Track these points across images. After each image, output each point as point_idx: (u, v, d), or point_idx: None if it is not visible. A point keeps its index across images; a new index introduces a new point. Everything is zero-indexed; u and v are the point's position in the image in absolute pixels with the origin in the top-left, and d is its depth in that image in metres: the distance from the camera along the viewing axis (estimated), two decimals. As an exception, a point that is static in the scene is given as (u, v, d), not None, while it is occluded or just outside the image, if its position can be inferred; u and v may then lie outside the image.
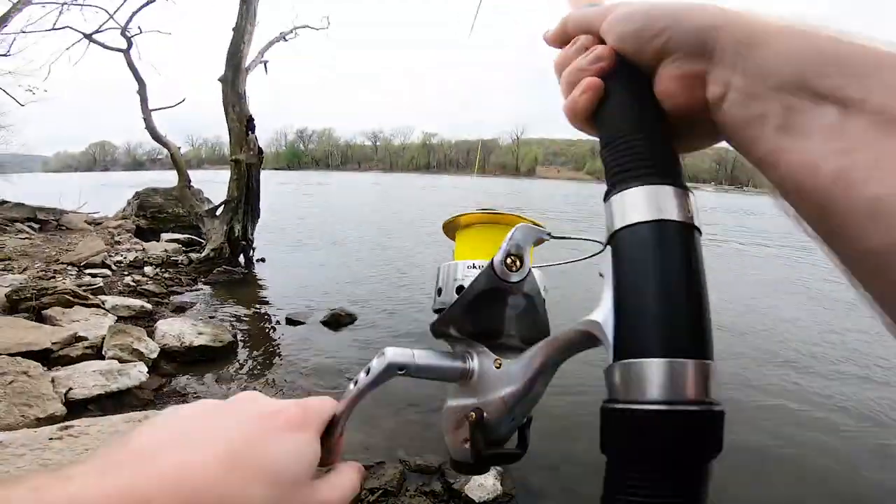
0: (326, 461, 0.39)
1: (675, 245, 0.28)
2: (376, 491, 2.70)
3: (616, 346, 0.27)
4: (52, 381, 3.32)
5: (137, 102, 9.27)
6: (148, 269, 7.21)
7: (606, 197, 0.31)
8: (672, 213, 0.28)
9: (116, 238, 9.60)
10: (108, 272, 6.82)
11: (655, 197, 0.29)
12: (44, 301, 4.62)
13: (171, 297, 6.20)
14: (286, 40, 10.45)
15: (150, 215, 11.82)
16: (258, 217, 8.92)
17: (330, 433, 0.40)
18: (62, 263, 6.89)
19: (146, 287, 6.24)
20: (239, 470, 0.32)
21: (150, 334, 4.44)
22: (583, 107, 0.36)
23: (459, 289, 0.43)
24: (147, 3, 9.77)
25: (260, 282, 7.85)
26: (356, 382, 0.40)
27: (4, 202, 11.30)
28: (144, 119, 9.36)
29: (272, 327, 5.57)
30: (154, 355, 4.09)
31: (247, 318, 5.74)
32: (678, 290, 0.26)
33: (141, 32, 9.86)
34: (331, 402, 0.41)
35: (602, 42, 0.38)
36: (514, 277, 0.38)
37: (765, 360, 5.07)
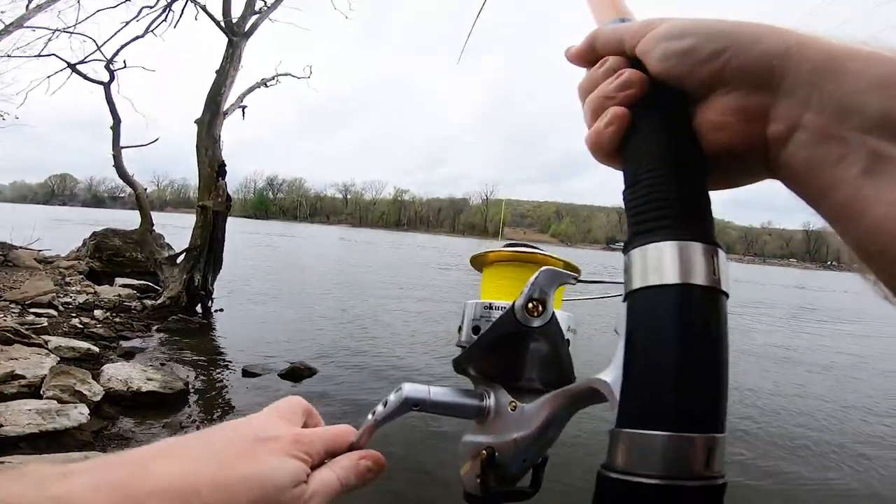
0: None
1: (698, 314, 0.25)
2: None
3: (621, 412, 0.26)
4: (-19, 419, 3.10)
5: (107, 137, 9.11)
6: (98, 313, 6.90)
7: (626, 248, 0.29)
8: (698, 276, 0.26)
9: (67, 279, 9.17)
10: (55, 313, 6.48)
11: (680, 256, 0.26)
12: (-20, 338, 4.35)
13: (121, 342, 5.94)
14: (267, 86, 10.56)
15: (105, 258, 11.38)
16: (220, 267, 8.71)
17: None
18: (5, 301, 6.51)
19: (94, 330, 5.97)
20: (226, 482, 0.33)
21: (96, 377, 4.22)
22: (608, 140, 0.32)
23: (476, 329, 0.43)
24: (136, 38, 9.81)
25: (217, 332, 7.54)
26: (373, 414, 0.42)
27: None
28: (114, 156, 9.14)
29: (227, 378, 5.34)
30: (98, 398, 3.88)
31: (201, 368, 5.50)
32: (696, 364, 0.25)
33: (125, 67, 9.79)
34: (349, 430, 0.44)
35: (634, 63, 0.34)
36: (536, 323, 0.37)
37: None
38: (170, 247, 10.33)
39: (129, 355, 5.47)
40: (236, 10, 9.25)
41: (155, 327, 6.97)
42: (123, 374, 4.33)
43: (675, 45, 0.31)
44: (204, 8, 9.14)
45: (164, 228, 11.21)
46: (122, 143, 9.22)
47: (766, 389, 6.57)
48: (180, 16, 10.07)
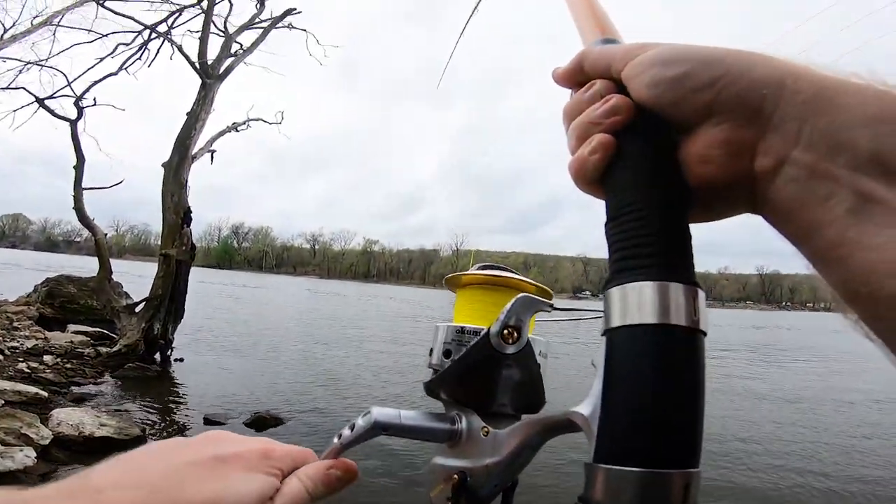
0: None
1: (678, 354, 0.26)
2: None
3: (599, 447, 0.26)
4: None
5: (66, 176, 8.67)
6: (48, 358, 6.55)
7: (607, 284, 0.28)
8: (678, 316, 0.26)
9: (15, 324, 8.65)
10: (0, 357, 6.09)
11: (661, 297, 0.26)
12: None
13: (72, 388, 5.68)
14: (238, 131, 10.37)
15: (58, 304, 10.80)
16: (182, 317, 8.39)
17: None
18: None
19: (43, 375, 5.68)
20: None
21: (44, 421, 3.99)
22: (591, 168, 0.31)
23: (447, 352, 0.42)
24: (109, 75, 9.53)
25: (177, 381, 7.24)
26: (339, 437, 0.40)
27: None
28: (75, 197, 8.66)
29: (187, 425, 5.09)
30: (46, 442, 3.67)
31: (159, 414, 5.24)
32: (674, 404, 0.25)
33: (95, 104, 9.41)
34: (310, 454, 0.41)
35: (621, 88, 0.32)
36: (510, 350, 0.37)
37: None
38: (128, 295, 9.86)
39: (80, 401, 5.21)
40: (212, 52, 9.27)
41: (109, 374, 6.64)
42: (75, 418, 4.09)
43: (665, 72, 0.30)
44: (180, 48, 9.14)
45: (123, 276, 10.73)
46: (84, 185, 8.81)
47: (734, 420, 6.67)
48: (156, 55, 10.01)
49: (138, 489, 0.32)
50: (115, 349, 7.52)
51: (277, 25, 10.14)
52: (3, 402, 4.27)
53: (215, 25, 9.46)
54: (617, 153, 0.31)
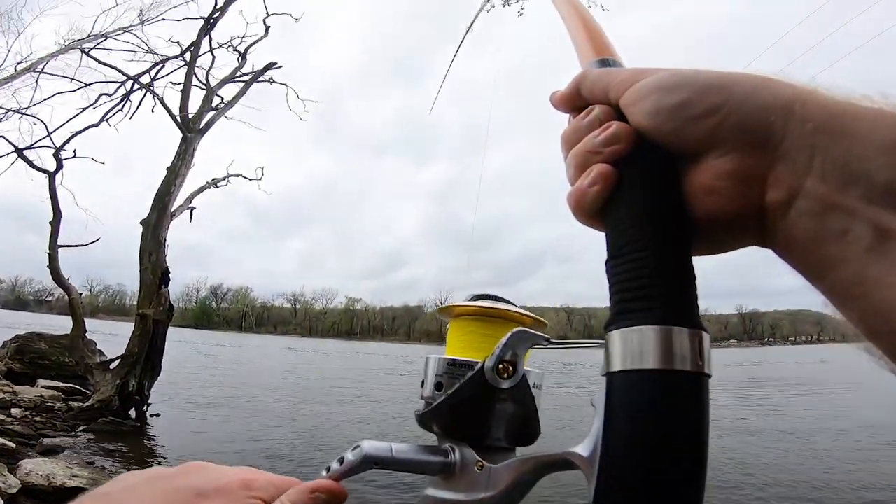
0: None
1: (681, 401, 0.25)
2: None
3: (600, 491, 0.26)
4: None
5: (38, 231, 8.37)
6: (16, 411, 6.31)
7: (608, 327, 0.28)
8: (682, 362, 0.25)
9: (-20, 380, 8.21)
10: (-36, 411, 5.75)
11: (664, 342, 0.25)
12: None
13: (42, 440, 5.46)
14: (217, 187, 10.22)
15: (28, 360, 10.37)
16: (159, 374, 8.18)
17: None
18: None
19: (11, 427, 5.45)
20: None
21: (12, 471, 3.79)
22: (591, 200, 0.30)
23: (439, 385, 0.41)
24: (91, 126, 9.37)
25: (153, 435, 7.06)
26: (327, 471, 0.39)
27: None
28: (50, 255, 8.34)
29: (163, 477, 4.79)
30: (13, 491, 3.49)
31: (134, 467, 4.93)
32: (678, 450, 0.24)
33: (75, 156, 9.11)
34: (294, 482, 0.40)
35: (620, 114, 0.31)
36: (506, 385, 0.36)
37: None
38: (102, 353, 9.49)
39: (51, 452, 5.04)
40: (193, 105, 9.27)
41: (81, 428, 6.37)
42: (45, 469, 3.90)
43: (665, 100, 0.28)
44: (162, 100, 9.15)
45: (96, 335, 10.29)
46: (59, 241, 8.45)
47: (733, 453, 6.62)
48: (138, 106, 9.99)
49: None
50: (87, 404, 7.25)
51: (258, 79, 10.32)
52: (-34, 452, 3.98)
53: (197, 78, 9.61)
54: (617, 185, 0.29)
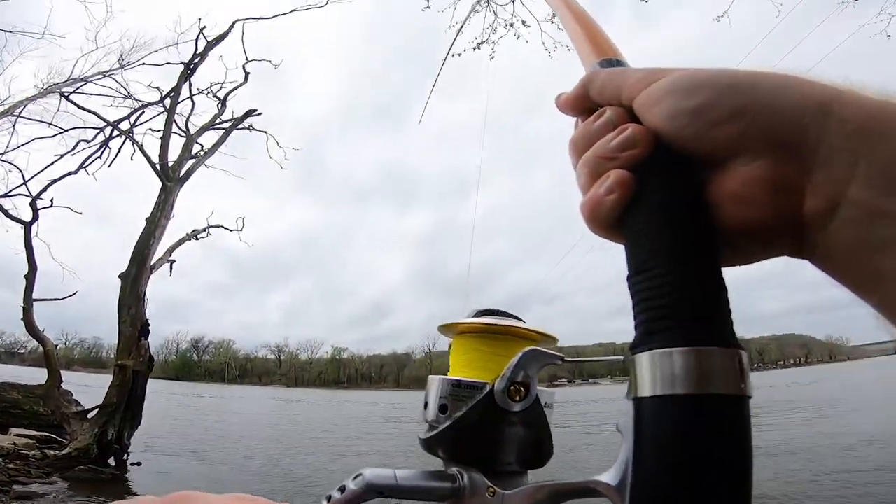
0: None
1: (725, 427, 0.23)
2: None
3: None
4: None
5: (9, 285, 8.17)
6: None
7: (634, 349, 0.25)
8: (719, 385, 0.23)
9: (-50, 429, 7.82)
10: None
11: (699, 364, 0.23)
12: None
13: (15, 486, 5.32)
14: (197, 239, 9.97)
15: (0, 409, 9.92)
16: (139, 423, 8.03)
17: None
18: None
19: None
20: None
21: None
22: (608, 210, 0.28)
23: (443, 408, 0.39)
24: (69, 174, 9.05)
25: (133, 483, 6.93)
26: (329, 500, 0.37)
27: None
28: (24, 308, 8.10)
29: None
30: None
31: (114, 512, 4.67)
32: (723, 481, 0.22)
33: (52, 206, 8.70)
34: None
35: (633, 116, 0.29)
36: (517, 407, 0.35)
37: None
38: (78, 403, 9.19)
39: (25, 499, 4.95)
40: (173, 152, 9.05)
41: (58, 476, 6.16)
42: None
43: (684, 103, 0.26)
44: (141, 148, 8.93)
45: (70, 386, 9.87)
46: (34, 295, 8.20)
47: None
48: (117, 153, 9.70)
49: None
50: (64, 452, 7.06)
51: (238, 127, 10.15)
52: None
53: (177, 125, 9.53)
54: (636, 192, 0.27)
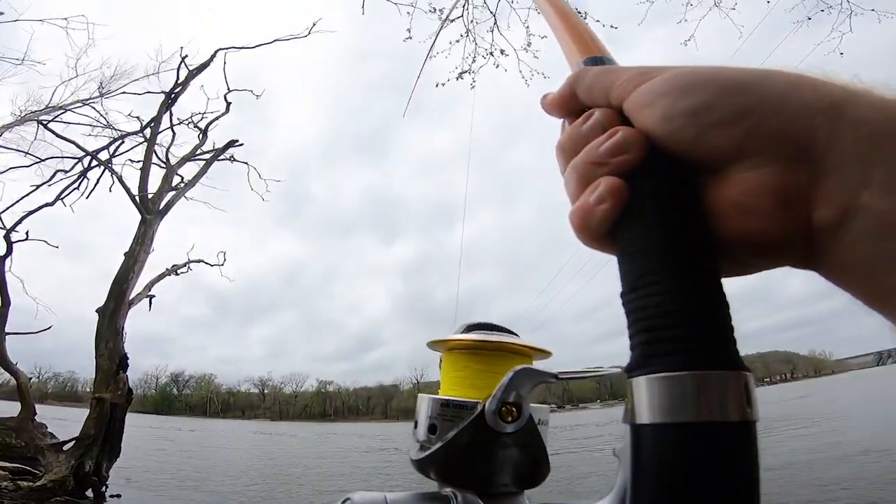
0: None
1: (732, 455, 0.21)
2: None
3: None
4: None
5: None
6: None
7: (631, 372, 0.23)
8: (724, 411, 0.21)
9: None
10: None
11: (701, 390, 0.21)
12: None
13: None
14: (177, 274, 9.72)
15: (-31, 441, 9.50)
16: (118, 456, 7.87)
17: None
18: None
19: None
20: None
21: None
22: (599, 220, 0.26)
23: (433, 428, 0.38)
24: (45, 205, 8.70)
25: None
26: None
27: None
28: None
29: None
30: None
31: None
32: None
33: (27, 239, 8.36)
34: None
35: (623, 118, 0.27)
36: (510, 429, 0.34)
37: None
38: (53, 435, 8.90)
39: None
40: (153, 184, 8.78)
41: None
42: None
43: (680, 104, 0.25)
44: (121, 179, 8.64)
45: (44, 419, 9.56)
46: (7, 329, 7.97)
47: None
48: (95, 184, 9.37)
49: None
50: (39, 483, 6.90)
51: (219, 158, 9.94)
52: None
53: (157, 156, 9.29)
54: (629, 201, 0.25)
